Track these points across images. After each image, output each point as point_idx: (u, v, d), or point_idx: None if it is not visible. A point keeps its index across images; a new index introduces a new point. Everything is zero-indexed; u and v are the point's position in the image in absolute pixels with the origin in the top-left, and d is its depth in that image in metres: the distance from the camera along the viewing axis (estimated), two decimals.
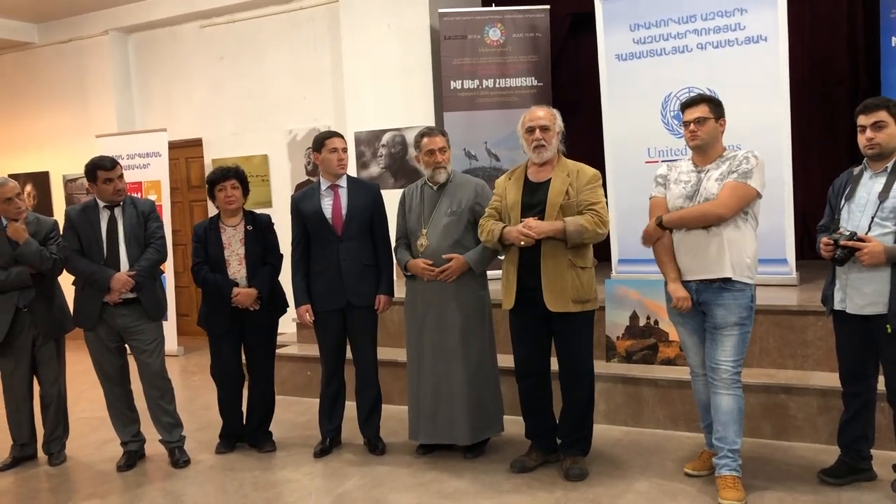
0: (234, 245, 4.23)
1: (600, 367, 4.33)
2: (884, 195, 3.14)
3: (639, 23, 5.30)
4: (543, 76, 6.08)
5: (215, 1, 7.41)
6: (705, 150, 3.40)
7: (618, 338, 4.67)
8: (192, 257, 4.28)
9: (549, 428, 3.86)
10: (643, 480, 3.65)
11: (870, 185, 3.21)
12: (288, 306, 4.43)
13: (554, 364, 3.78)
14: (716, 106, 3.39)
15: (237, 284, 4.19)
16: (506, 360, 4.08)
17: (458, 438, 3.97)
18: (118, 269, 4.02)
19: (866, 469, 3.44)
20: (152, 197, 7.05)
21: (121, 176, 4.09)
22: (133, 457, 4.24)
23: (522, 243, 3.51)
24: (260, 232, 4.28)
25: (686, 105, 3.44)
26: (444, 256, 3.92)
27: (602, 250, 4.68)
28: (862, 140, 3.21)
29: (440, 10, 6.07)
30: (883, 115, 3.14)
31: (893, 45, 4.94)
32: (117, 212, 4.10)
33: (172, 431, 4.23)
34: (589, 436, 3.80)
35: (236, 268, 4.21)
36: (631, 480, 3.65)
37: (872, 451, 3.46)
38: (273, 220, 4.41)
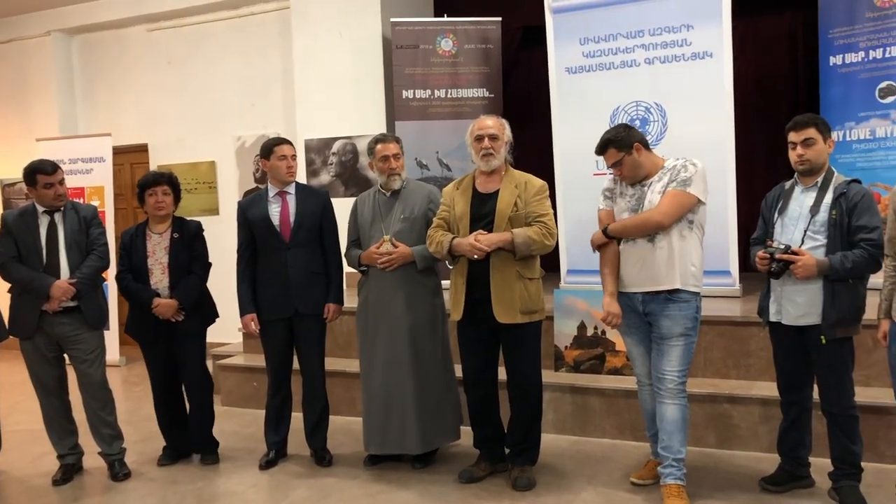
0: (158, 253, 4.13)
1: (548, 376, 4.36)
2: (815, 209, 3.23)
3: (588, 37, 5.38)
4: (495, 87, 6.12)
5: (163, 4, 7.27)
6: (639, 176, 3.43)
7: (566, 347, 4.71)
8: (117, 265, 4.17)
9: (497, 437, 3.87)
10: (590, 490, 3.68)
11: (801, 199, 3.30)
12: (217, 316, 4.34)
13: (501, 374, 3.78)
14: (622, 140, 3.36)
15: (158, 295, 4.09)
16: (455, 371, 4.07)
17: (409, 448, 3.95)
18: (58, 277, 3.90)
19: (805, 476, 3.53)
20: (95, 203, 6.88)
21: (62, 181, 3.98)
22: (70, 470, 4.11)
23: (476, 257, 3.51)
24: (188, 240, 4.17)
25: (597, 154, 3.47)
26: (392, 241, 3.88)
27: (551, 261, 4.72)
28: (793, 156, 3.29)
29: (392, 20, 6.07)
30: (812, 132, 3.23)
31: (832, 64, 5.10)
32: (58, 217, 3.98)
33: (113, 444, 4.11)
34: (537, 445, 3.81)
35: (159, 277, 4.11)
36: (578, 490, 3.68)
37: (811, 459, 3.55)
38: (204, 228, 4.30)
